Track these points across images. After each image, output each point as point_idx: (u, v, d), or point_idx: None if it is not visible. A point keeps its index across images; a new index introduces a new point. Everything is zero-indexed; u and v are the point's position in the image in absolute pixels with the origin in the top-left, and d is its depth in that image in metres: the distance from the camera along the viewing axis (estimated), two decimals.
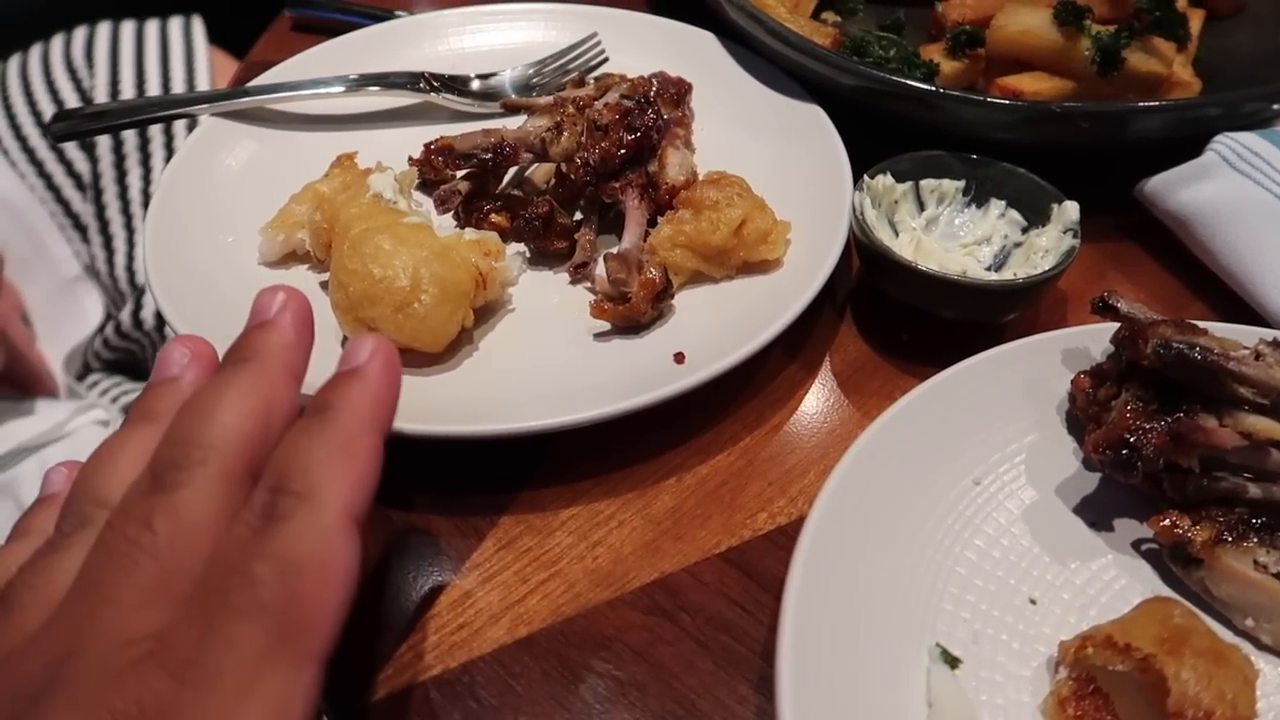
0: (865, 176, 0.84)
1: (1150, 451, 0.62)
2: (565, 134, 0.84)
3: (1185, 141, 0.89)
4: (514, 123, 0.92)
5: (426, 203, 0.89)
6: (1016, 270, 0.83)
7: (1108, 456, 0.63)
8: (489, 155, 0.85)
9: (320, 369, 0.73)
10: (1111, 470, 0.64)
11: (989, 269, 0.85)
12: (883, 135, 0.90)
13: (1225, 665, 0.52)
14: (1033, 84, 0.93)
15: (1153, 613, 0.56)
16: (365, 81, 0.97)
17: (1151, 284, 0.89)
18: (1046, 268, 0.78)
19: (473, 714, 0.61)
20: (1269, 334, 0.65)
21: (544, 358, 0.77)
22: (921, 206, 0.88)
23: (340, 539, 0.44)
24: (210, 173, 0.89)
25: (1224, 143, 0.85)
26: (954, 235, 0.87)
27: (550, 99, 0.91)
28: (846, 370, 0.81)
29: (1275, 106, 0.89)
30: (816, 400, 0.79)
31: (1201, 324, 0.67)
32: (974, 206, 0.88)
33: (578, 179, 0.83)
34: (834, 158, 0.88)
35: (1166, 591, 0.64)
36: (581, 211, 0.87)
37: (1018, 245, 0.85)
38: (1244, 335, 0.66)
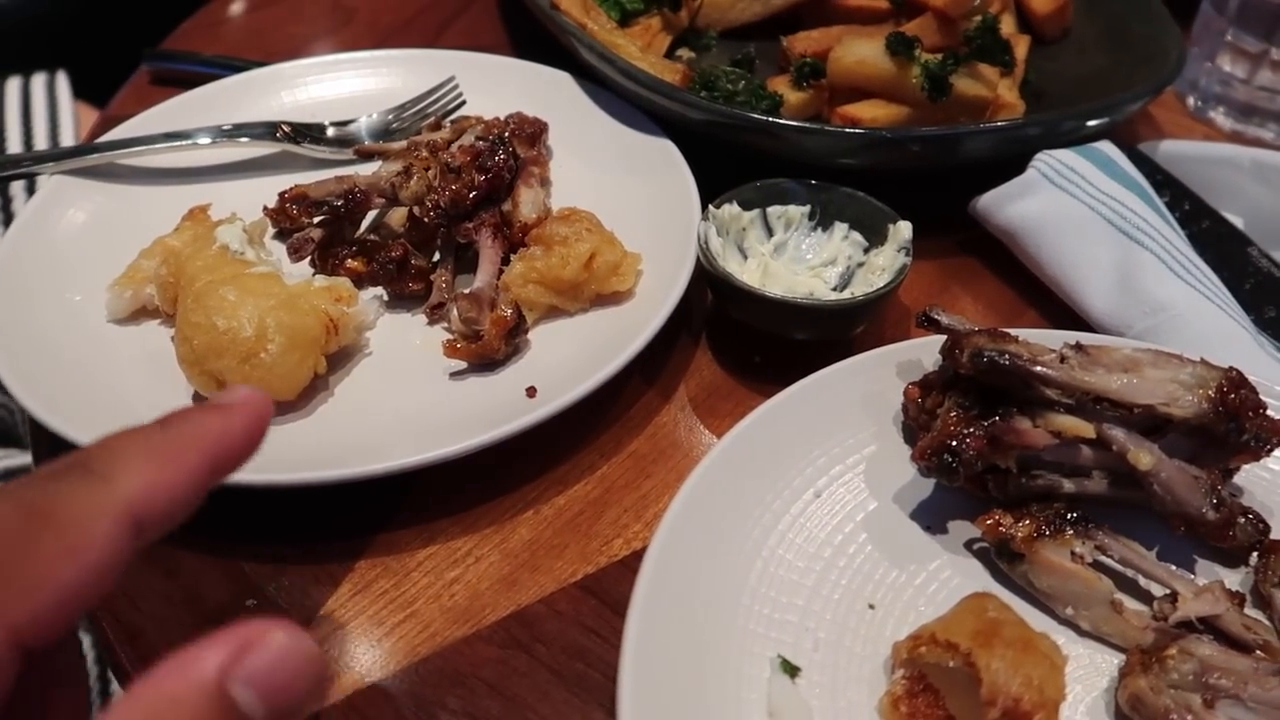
0: (710, 206, 0.87)
1: (970, 455, 0.65)
2: (415, 177, 0.85)
3: (1013, 160, 0.94)
4: (371, 169, 0.93)
5: (281, 252, 0.89)
6: (856, 290, 0.86)
7: (933, 463, 0.66)
8: (341, 202, 0.86)
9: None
10: (937, 476, 0.67)
11: (835, 289, 0.88)
12: (736, 166, 0.93)
13: (1033, 653, 0.55)
14: (870, 111, 0.98)
15: (970, 608, 0.59)
16: (219, 133, 0.96)
17: (989, 295, 0.94)
18: (881, 285, 0.82)
19: None
20: (1074, 338, 0.69)
21: (400, 400, 0.78)
22: (770, 232, 0.91)
23: (108, 526, 0.38)
24: (57, 231, 0.88)
25: (1044, 160, 0.90)
26: (801, 259, 0.91)
27: (404, 144, 0.92)
28: (701, 394, 0.84)
29: (1090, 124, 0.95)
30: (671, 425, 0.81)
31: (1018, 331, 0.71)
32: (820, 230, 0.91)
33: (430, 221, 0.85)
34: (683, 190, 0.91)
35: (996, 588, 0.67)
36: (438, 253, 0.88)
37: (860, 265, 0.89)
38: (1054, 340, 0.70)
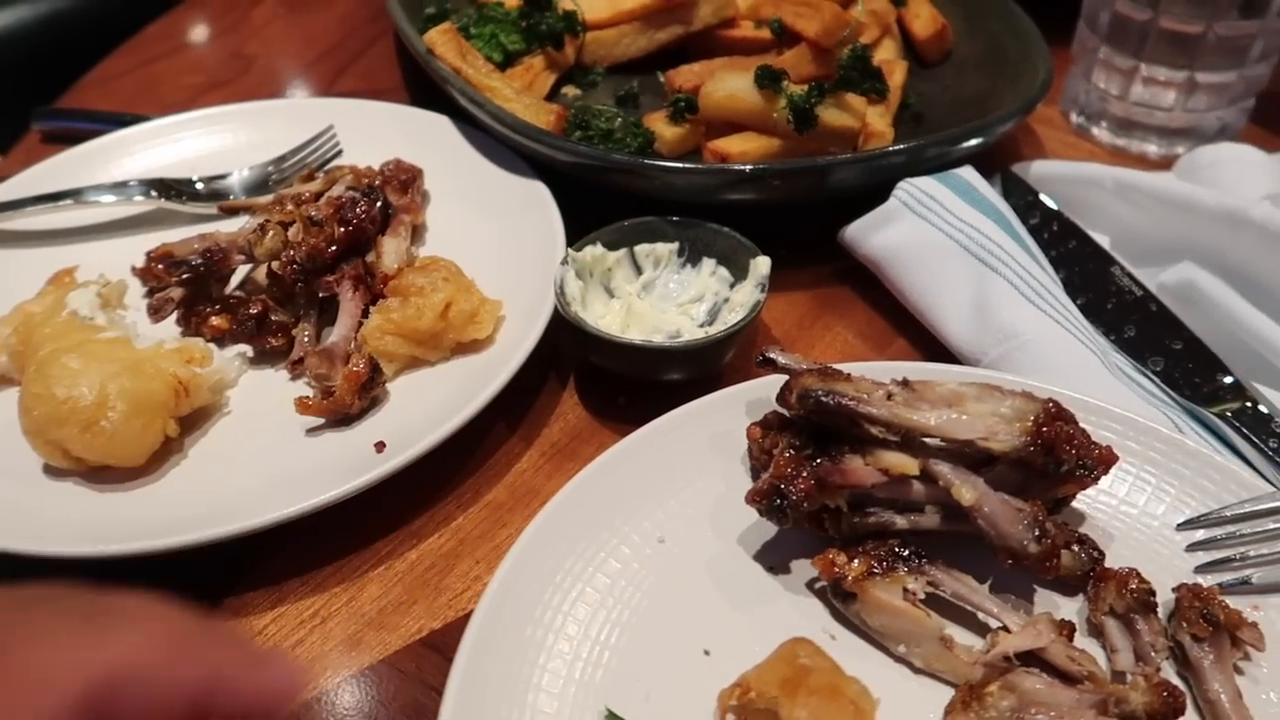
0: (569, 250, 0.87)
1: (798, 497, 0.65)
2: (269, 234, 0.85)
3: (884, 188, 0.94)
4: (241, 224, 0.93)
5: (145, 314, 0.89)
6: (719, 327, 0.87)
7: (764, 506, 0.66)
8: (200, 261, 0.86)
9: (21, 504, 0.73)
10: (768, 518, 0.67)
11: (702, 325, 0.89)
12: (613, 204, 0.93)
13: (838, 699, 0.55)
14: (741, 145, 0.99)
15: (783, 655, 0.59)
16: (90, 192, 0.97)
17: (860, 324, 0.94)
18: (734, 322, 0.82)
19: None
20: (901, 373, 0.70)
21: (252, 461, 0.77)
22: (639, 270, 0.92)
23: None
24: None
25: (905, 189, 0.91)
26: (669, 296, 0.91)
27: (270, 198, 0.93)
28: (564, 439, 0.84)
29: (957, 148, 0.96)
30: (531, 472, 0.81)
31: (854, 366, 0.71)
32: (689, 266, 0.92)
33: (287, 276, 0.85)
34: (550, 233, 0.92)
35: (836, 627, 0.67)
36: (301, 307, 0.88)
37: (726, 301, 0.89)
38: (888, 374, 0.70)
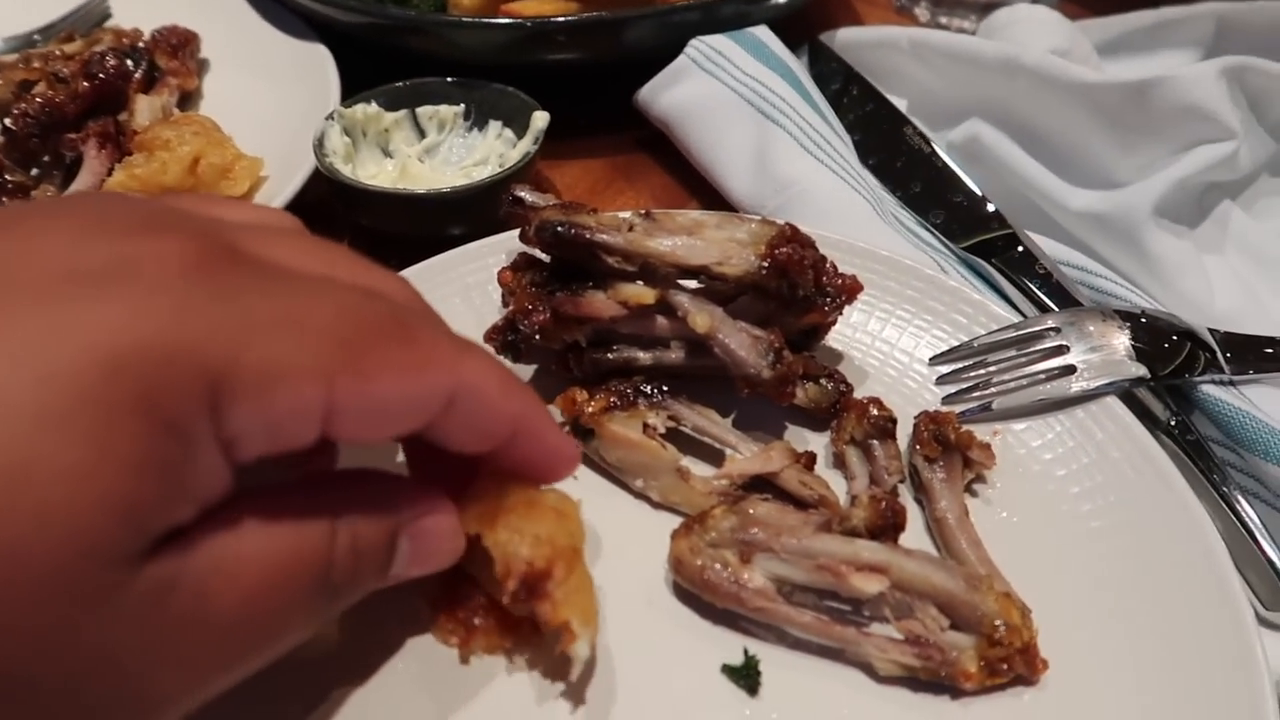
0: (338, 106, 0.82)
1: (529, 330, 0.62)
2: None
3: (682, 49, 0.91)
4: None
5: None
6: None
7: (499, 341, 0.64)
8: None
9: None
10: (503, 355, 0.64)
11: None
12: (406, 74, 0.88)
13: (537, 508, 0.52)
14: (536, 7, 0.94)
15: (474, 493, 0.56)
16: None
17: (655, 188, 0.92)
18: (504, 169, 0.79)
19: None
20: (647, 210, 0.67)
21: None
22: (423, 134, 0.87)
23: (446, 377, 0.41)
24: None
25: (696, 46, 0.88)
26: (454, 160, 0.87)
27: (15, 56, 0.86)
28: None
29: (760, 6, 0.93)
30: None
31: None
32: (475, 130, 0.88)
33: (20, 131, 0.78)
34: (326, 96, 0.87)
35: (581, 469, 0.65)
36: (44, 169, 0.82)
37: (509, 162, 0.86)
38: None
